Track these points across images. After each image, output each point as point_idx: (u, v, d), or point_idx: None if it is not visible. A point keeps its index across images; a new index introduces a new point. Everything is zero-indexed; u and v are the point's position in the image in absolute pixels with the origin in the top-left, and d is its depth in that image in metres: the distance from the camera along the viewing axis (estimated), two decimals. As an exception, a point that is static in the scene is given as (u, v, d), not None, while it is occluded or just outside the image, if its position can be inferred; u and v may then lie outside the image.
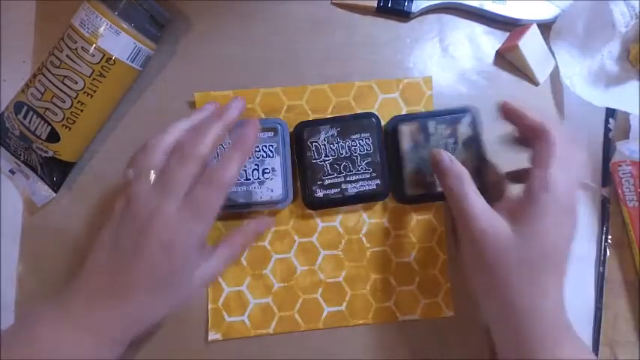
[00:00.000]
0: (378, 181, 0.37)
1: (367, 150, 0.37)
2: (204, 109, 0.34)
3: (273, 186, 0.36)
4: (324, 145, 0.37)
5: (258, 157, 0.36)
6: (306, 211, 0.39)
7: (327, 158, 0.37)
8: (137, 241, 0.29)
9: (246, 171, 0.36)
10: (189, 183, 0.29)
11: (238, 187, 0.36)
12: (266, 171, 0.36)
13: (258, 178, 0.36)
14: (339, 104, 0.40)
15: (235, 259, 0.38)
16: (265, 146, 0.36)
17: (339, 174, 0.37)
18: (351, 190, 0.37)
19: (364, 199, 0.38)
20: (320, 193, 0.37)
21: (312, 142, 0.37)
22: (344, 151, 0.37)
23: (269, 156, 0.36)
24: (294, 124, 0.38)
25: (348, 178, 0.37)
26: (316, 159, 0.37)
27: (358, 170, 0.37)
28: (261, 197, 0.36)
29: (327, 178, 0.37)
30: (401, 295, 0.40)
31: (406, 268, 0.40)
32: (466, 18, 0.42)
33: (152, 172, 0.30)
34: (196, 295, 0.34)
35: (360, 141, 0.37)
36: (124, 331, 0.30)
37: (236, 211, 0.38)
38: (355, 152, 0.37)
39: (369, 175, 0.37)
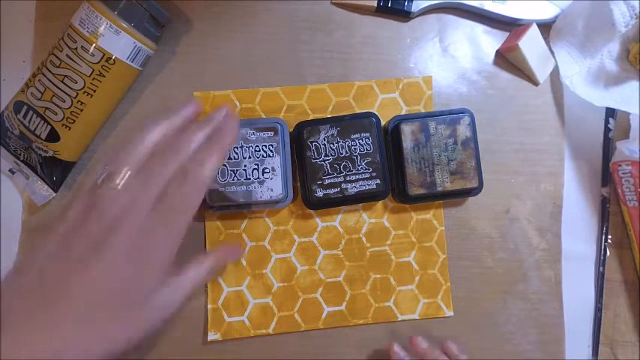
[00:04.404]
0: (378, 181, 0.37)
1: (367, 150, 0.37)
2: (184, 109, 0.31)
3: (273, 185, 0.36)
4: (324, 144, 0.37)
5: (258, 157, 0.36)
6: (306, 211, 0.39)
7: (327, 158, 0.37)
8: (98, 244, 0.24)
9: (246, 170, 0.36)
10: (164, 185, 0.26)
11: (238, 187, 0.36)
12: (266, 170, 0.36)
13: (258, 177, 0.36)
14: (339, 104, 0.40)
15: (200, 285, 0.35)
16: (265, 146, 0.36)
17: (338, 174, 0.37)
18: (351, 189, 0.37)
19: (364, 198, 0.38)
20: (320, 193, 0.37)
21: (312, 141, 0.37)
22: (344, 150, 0.37)
23: (269, 155, 0.36)
24: (294, 123, 0.38)
25: (347, 178, 0.37)
26: (316, 159, 0.37)
27: (358, 170, 0.37)
28: (261, 197, 0.36)
29: (327, 178, 0.37)
30: (401, 294, 0.40)
31: (406, 268, 0.40)
32: (466, 18, 0.42)
33: (127, 170, 0.26)
34: (147, 333, 0.27)
35: (360, 141, 0.37)
36: None
37: (236, 210, 0.38)
38: (355, 152, 0.37)
39: (368, 175, 0.37)
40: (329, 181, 0.37)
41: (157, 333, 0.38)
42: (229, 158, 0.36)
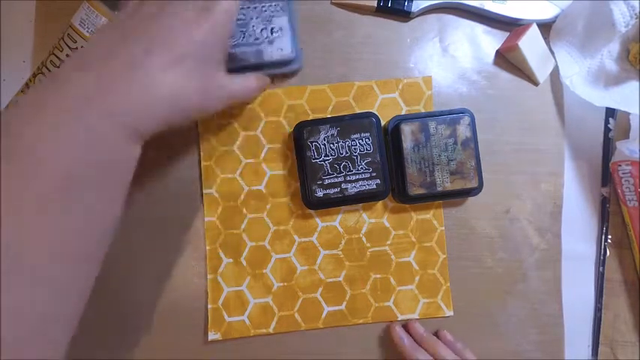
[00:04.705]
0: (378, 181, 0.37)
1: (367, 150, 0.37)
2: None
3: (283, 45, 0.37)
4: (324, 144, 0.37)
5: (265, 17, 0.37)
6: (306, 211, 0.39)
7: (327, 158, 0.37)
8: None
9: (255, 31, 0.36)
10: None
11: (248, 48, 0.36)
12: (274, 30, 0.36)
13: (267, 37, 0.36)
14: (339, 104, 0.40)
15: (242, 97, 0.35)
16: (272, 5, 0.37)
17: (339, 174, 0.37)
18: (351, 189, 0.37)
19: (364, 198, 0.38)
20: (320, 193, 0.37)
21: (312, 141, 0.37)
22: (344, 150, 0.37)
23: (276, 15, 0.37)
24: (294, 123, 0.38)
25: (348, 178, 0.37)
26: (316, 159, 0.37)
27: (358, 170, 0.37)
28: (271, 56, 0.36)
29: (327, 178, 0.37)
30: (401, 294, 0.40)
31: (406, 268, 0.40)
32: (466, 18, 0.42)
33: None
34: (215, 108, 0.31)
35: (360, 141, 0.37)
36: (146, 115, 0.26)
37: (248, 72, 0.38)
38: (355, 152, 0.37)
39: (368, 175, 0.37)
40: (329, 181, 0.37)
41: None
42: (237, 19, 0.36)
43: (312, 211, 0.39)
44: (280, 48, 0.36)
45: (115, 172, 0.26)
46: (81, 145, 0.23)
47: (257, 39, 0.36)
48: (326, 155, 0.37)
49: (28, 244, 0.22)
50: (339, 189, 0.37)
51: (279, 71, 0.38)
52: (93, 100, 0.24)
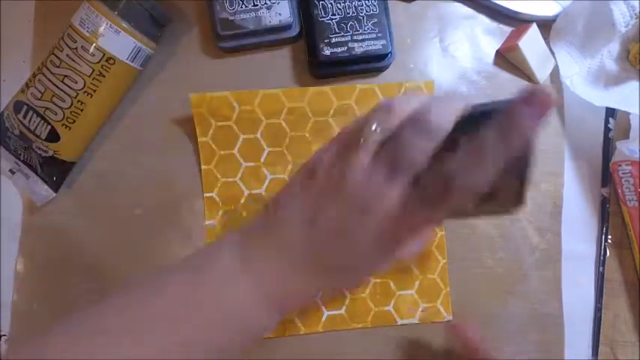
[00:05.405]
0: (384, 42, 0.37)
1: (373, 10, 0.37)
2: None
3: (281, 10, 0.37)
4: (331, 3, 0.37)
5: None
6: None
7: (334, 17, 0.37)
8: (352, 223, 0.23)
9: None
10: (421, 165, 0.22)
11: (247, 14, 0.37)
12: None
13: (266, 3, 0.37)
14: (340, 107, 0.40)
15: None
16: None
17: (345, 33, 0.37)
18: (358, 49, 0.37)
19: (370, 58, 0.38)
20: (327, 52, 0.37)
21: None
22: (350, 10, 0.37)
23: None
24: (295, 126, 0.38)
25: (354, 37, 0.37)
26: (323, 17, 0.37)
27: (365, 30, 0.37)
28: (270, 22, 0.37)
29: (334, 37, 0.37)
30: (400, 299, 0.39)
31: (406, 273, 0.40)
32: (465, 5, 0.42)
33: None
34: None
35: (367, 1, 0.37)
36: (292, 301, 0.27)
37: (247, 41, 0.38)
38: (362, 12, 0.37)
39: (375, 35, 0.37)
40: (336, 40, 0.37)
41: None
42: None
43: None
44: (278, 13, 0.37)
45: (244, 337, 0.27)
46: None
47: (255, 5, 0.37)
48: (333, 14, 0.37)
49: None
50: (346, 48, 0.37)
51: (278, 37, 0.38)
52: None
